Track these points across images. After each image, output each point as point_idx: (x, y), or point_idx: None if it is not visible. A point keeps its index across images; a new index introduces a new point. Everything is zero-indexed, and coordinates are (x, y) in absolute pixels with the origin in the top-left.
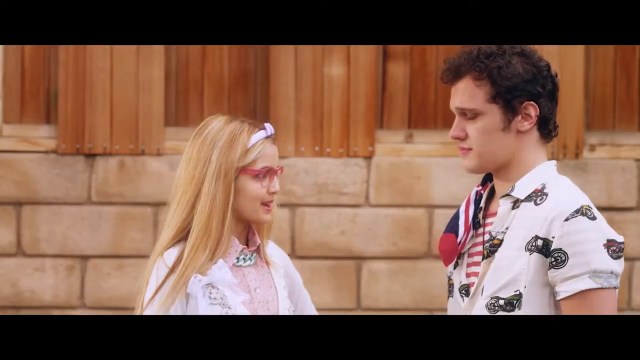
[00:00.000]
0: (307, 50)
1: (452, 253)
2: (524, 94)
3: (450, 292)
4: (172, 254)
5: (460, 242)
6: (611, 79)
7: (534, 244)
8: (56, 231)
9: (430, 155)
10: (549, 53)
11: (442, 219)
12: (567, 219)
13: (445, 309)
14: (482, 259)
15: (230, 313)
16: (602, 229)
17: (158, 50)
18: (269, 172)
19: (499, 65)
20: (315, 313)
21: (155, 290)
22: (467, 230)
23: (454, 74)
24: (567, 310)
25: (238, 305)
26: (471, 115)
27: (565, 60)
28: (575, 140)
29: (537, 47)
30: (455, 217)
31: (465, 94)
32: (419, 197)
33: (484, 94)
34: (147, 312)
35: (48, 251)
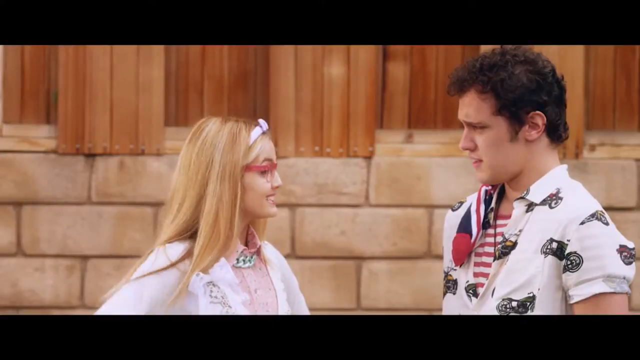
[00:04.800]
0: (307, 50)
1: (466, 252)
2: (529, 104)
3: (449, 288)
4: (175, 249)
5: (474, 241)
6: (611, 79)
7: (549, 247)
8: (56, 231)
9: (430, 155)
10: (549, 53)
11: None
12: (582, 223)
13: None
14: (494, 260)
15: (230, 313)
16: (614, 235)
17: (158, 50)
18: (270, 167)
19: (501, 78)
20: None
21: (148, 273)
22: (479, 230)
23: (459, 88)
24: (579, 314)
25: (238, 305)
26: (479, 127)
27: (565, 60)
28: (575, 140)
29: (537, 47)
30: (467, 217)
31: (471, 107)
32: (419, 197)
33: (489, 107)
34: (131, 288)
35: (48, 251)
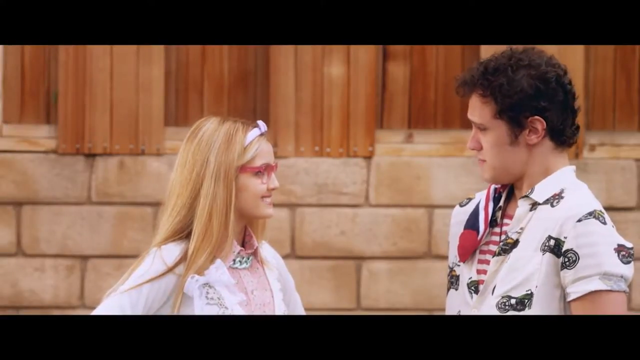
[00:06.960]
0: (307, 50)
1: (472, 249)
2: (528, 110)
3: (453, 283)
4: (171, 251)
5: (480, 239)
6: (611, 79)
7: (547, 244)
8: (56, 231)
9: (430, 155)
10: (549, 53)
11: (442, 219)
12: (579, 220)
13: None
14: (493, 257)
15: (227, 313)
16: (612, 234)
17: (158, 50)
18: (267, 169)
19: (500, 83)
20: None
21: (148, 280)
22: (485, 227)
23: (464, 90)
24: (577, 312)
25: (235, 305)
26: (482, 129)
27: (565, 60)
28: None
29: (536, 47)
30: (475, 214)
31: (475, 109)
32: (418, 197)
33: (490, 110)
34: (127, 296)
35: (48, 251)
